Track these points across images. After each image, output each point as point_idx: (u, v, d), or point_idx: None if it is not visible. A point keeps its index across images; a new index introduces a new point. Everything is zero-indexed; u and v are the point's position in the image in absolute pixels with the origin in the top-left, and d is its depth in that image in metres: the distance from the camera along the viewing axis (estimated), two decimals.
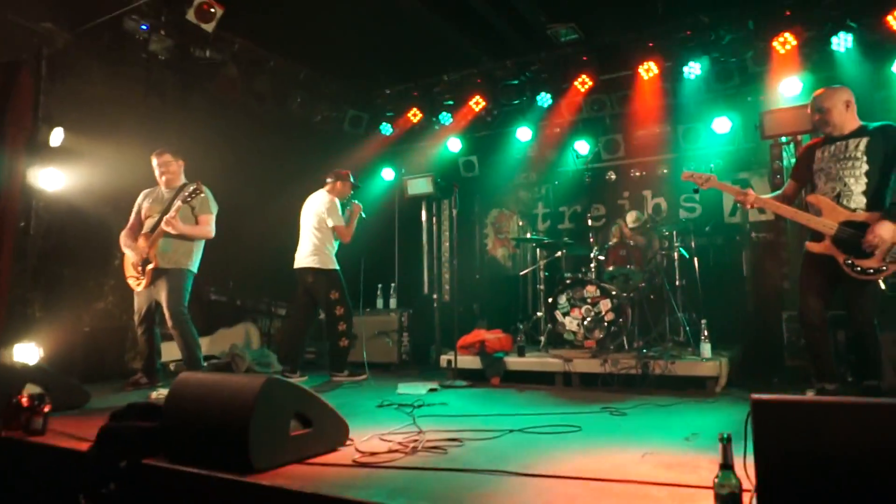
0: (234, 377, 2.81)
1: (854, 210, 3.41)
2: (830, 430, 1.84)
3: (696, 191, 3.93)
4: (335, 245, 5.47)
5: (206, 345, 5.80)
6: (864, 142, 3.44)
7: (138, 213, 4.86)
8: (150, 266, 4.60)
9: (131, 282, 4.75)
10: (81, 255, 5.45)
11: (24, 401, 3.09)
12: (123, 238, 4.77)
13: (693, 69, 6.11)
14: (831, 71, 5.82)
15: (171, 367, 5.61)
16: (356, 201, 5.61)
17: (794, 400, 1.95)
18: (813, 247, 3.54)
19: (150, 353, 4.81)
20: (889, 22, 5.22)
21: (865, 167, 3.41)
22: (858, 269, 3.35)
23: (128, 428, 2.67)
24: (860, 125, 3.53)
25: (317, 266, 5.34)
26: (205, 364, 4.85)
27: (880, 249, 3.28)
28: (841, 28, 5.45)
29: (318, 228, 5.40)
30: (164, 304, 4.62)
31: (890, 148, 3.38)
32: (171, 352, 5.35)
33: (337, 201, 5.48)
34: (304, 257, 5.44)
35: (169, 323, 4.63)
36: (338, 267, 5.43)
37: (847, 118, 3.52)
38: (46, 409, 3.10)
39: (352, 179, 5.66)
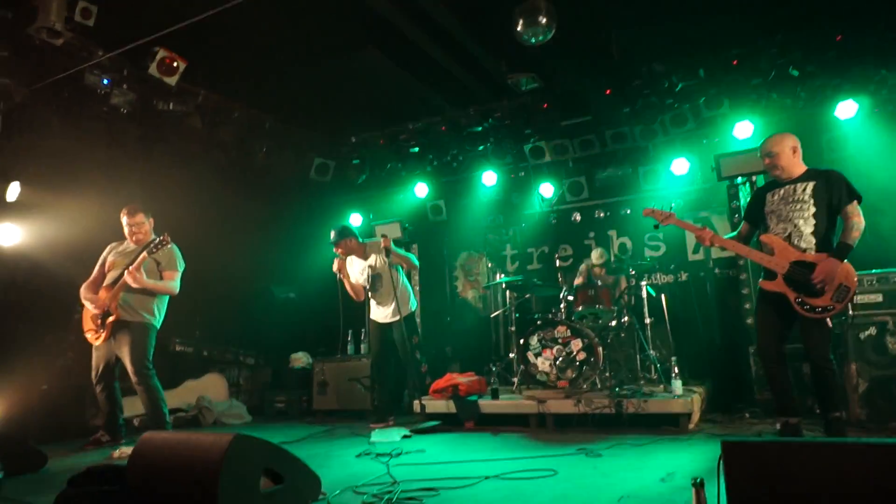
0: (200, 435, 2.72)
1: (804, 250, 3.56)
2: (800, 470, 1.88)
3: (656, 226, 4.04)
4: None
5: (171, 397, 5.63)
6: (810, 186, 3.63)
7: (102, 265, 4.74)
8: (110, 318, 4.47)
9: (89, 335, 4.60)
10: (39, 311, 5.29)
11: None
12: (84, 290, 4.64)
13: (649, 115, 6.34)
14: (779, 114, 6.13)
15: (136, 422, 5.42)
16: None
17: (764, 442, 1.98)
18: (766, 285, 3.67)
19: (111, 409, 4.64)
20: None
21: (813, 209, 3.59)
22: (808, 307, 3.48)
23: (88, 493, 2.56)
24: (806, 170, 3.73)
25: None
26: (170, 418, 4.68)
27: (829, 287, 3.41)
28: (785, 76, 5.75)
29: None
30: (127, 359, 4.47)
31: (834, 192, 3.57)
32: (134, 406, 5.18)
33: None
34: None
35: (133, 378, 4.47)
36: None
37: (794, 162, 3.72)
38: None
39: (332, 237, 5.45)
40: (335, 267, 5.34)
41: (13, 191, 5.09)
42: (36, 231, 5.17)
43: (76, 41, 5.09)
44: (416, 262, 5.54)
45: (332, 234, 5.34)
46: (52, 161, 5.45)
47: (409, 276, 5.73)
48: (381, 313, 5.43)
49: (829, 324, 3.53)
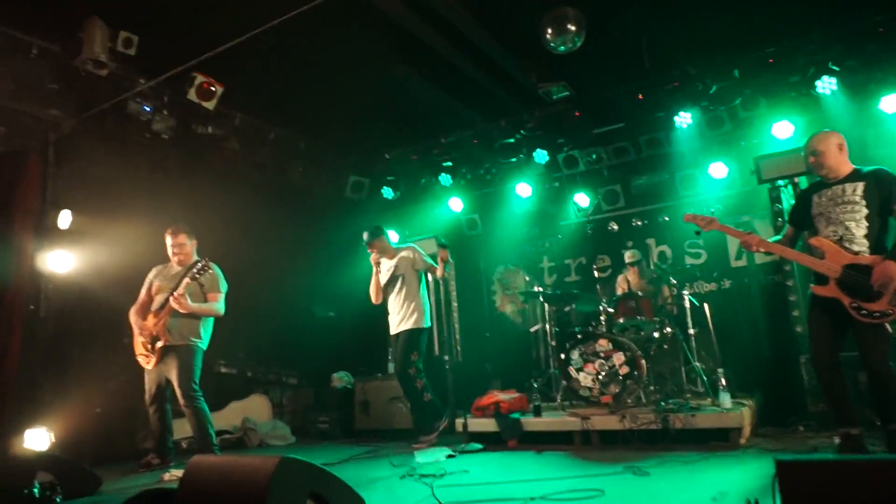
0: (247, 458, 2.75)
1: (857, 253, 3.42)
2: (862, 490, 1.79)
3: (697, 233, 3.94)
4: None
5: (217, 419, 5.72)
6: (860, 186, 3.49)
7: (149, 289, 4.87)
8: (159, 343, 4.59)
9: (141, 360, 4.73)
10: (91, 336, 5.45)
11: (36, 490, 3.03)
12: (133, 315, 4.77)
13: (684, 118, 6.24)
14: (820, 112, 5.94)
15: (184, 444, 5.53)
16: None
17: (819, 460, 1.90)
18: (818, 290, 3.54)
19: (161, 432, 4.75)
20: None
21: (865, 211, 3.45)
22: (865, 312, 3.34)
23: None
24: (854, 169, 3.59)
25: None
26: (216, 440, 4.76)
27: (887, 290, 3.27)
28: (824, 72, 5.59)
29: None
30: (175, 382, 4.58)
31: (884, 192, 3.44)
32: (183, 429, 5.29)
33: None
34: None
35: (181, 401, 4.58)
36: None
37: (840, 161, 3.59)
38: (58, 499, 3.03)
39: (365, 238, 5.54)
40: (373, 258, 5.39)
41: (65, 218, 5.27)
42: (86, 257, 5.34)
43: (119, 70, 5.29)
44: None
45: (365, 234, 5.42)
46: (99, 188, 5.65)
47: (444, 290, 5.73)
48: (392, 322, 5.43)
49: (889, 329, 3.38)
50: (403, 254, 5.41)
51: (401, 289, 5.34)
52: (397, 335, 5.32)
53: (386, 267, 5.45)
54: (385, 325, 5.59)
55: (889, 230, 3.46)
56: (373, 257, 5.39)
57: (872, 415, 4.13)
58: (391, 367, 6.73)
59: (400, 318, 5.30)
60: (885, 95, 5.57)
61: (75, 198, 5.45)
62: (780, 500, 1.88)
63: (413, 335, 5.27)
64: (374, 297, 5.48)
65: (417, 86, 6.21)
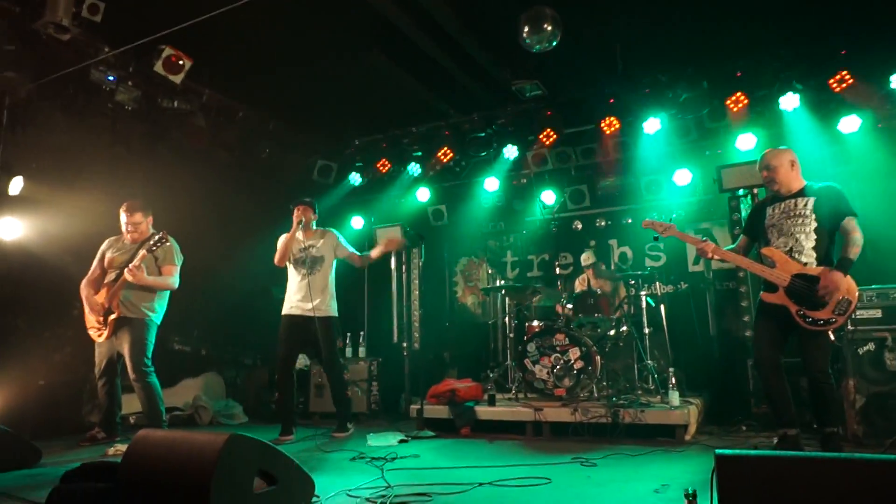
0: (195, 434, 2.72)
1: (806, 264, 3.58)
2: (794, 485, 1.87)
3: (656, 238, 4.06)
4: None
5: (169, 396, 5.62)
6: (811, 201, 3.65)
7: (101, 261, 4.74)
8: (112, 316, 4.48)
9: (92, 333, 4.61)
10: (38, 306, 5.29)
11: None
12: (84, 288, 4.64)
13: (652, 125, 6.36)
14: (783, 127, 6.13)
15: (132, 420, 5.42)
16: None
17: (757, 456, 1.97)
18: (767, 297, 3.68)
19: (109, 406, 4.63)
20: (832, 85, 5.58)
21: (814, 224, 3.61)
22: (810, 319, 3.50)
23: (81, 490, 2.55)
24: (805, 184, 3.76)
25: None
26: (166, 417, 4.68)
27: (832, 299, 3.42)
28: (788, 89, 5.78)
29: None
30: (127, 356, 4.48)
31: (833, 208, 3.60)
32: (131, 404, 5.17)
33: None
34: None
35: (131, 375, 4.47)
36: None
37: (792, 177, 3.75)
38: None
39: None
40: (300, 216, 5.02)
41: (16, 185, 5.10)
42: (37, 226, 5.17)
43: (83, 37, 5.12)
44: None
45: (306, 199, 5.18)
46: (56, 156, 5.46)
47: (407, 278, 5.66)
48: (301, 302, 5.01)
49: (832, 337, 3.53)
50: (329, 236, 5.19)
51: (319, 270, 5.07)
52: (313, 318, 4.93)
53: (304, 244, 5.12)
54: (346, 309, 5.53)
55: (835, 243, 3.62)
56: (300, 216, 5.03)
57: (811, 418, 4.30)
58: (349, 352, 6.72)
59: (318, 302, 4.96)
60: (843, 116, 5.79)
61: (29, 164, 5.26)
62: (717, 491, 1.95)
63: (334, 323, 5.11)
64: (281, 257, 5.05)
65: (391, 74, 6.18)
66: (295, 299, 5.07)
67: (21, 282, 5.14)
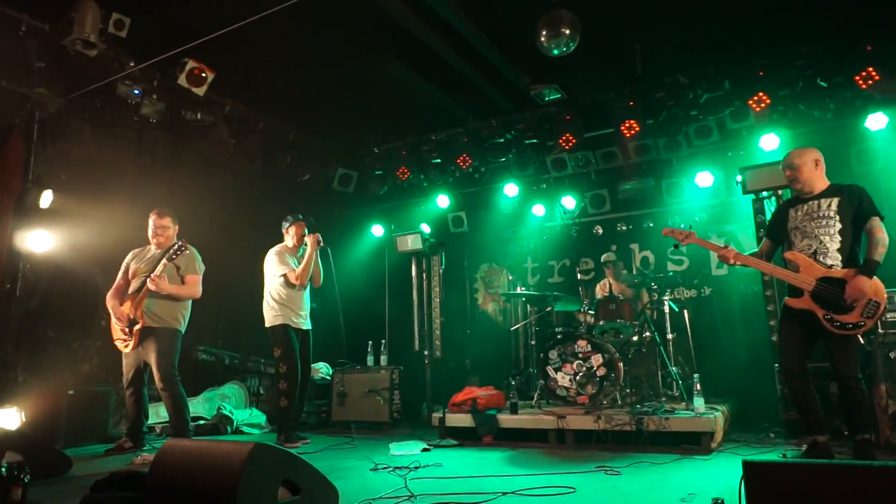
0: (220, 444, 2.75)
1: (830, 267, 3.50)
2: (825, 493, 1.83)
3: (676, 246, 4.00)
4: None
5: (193, 405, 5.69)
6: (835, 202, 3.57)
7: (126, 272, 4.82)
8: (137, 326, 4.55)
9: (119, 344, 4.68)
10: (67, 316, 5.40)
11: (3, 470, 2.99)
12: (110, 300, 4.72)
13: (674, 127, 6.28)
14: (807, 126, 6.03)
15: (157, 429, 5.49)
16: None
17: (787, 463, 1.94)
18: (792, 302, 3.61)
19: (136, 415, 4.71)
20: (858, 81, 5.45)
21: (839, 226, 3.53)
22: (838, 323, 3.42)
23: (110, 499, 2.59)
24: (829, 185, 3.68)
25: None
26: (192, 426, 4.73)
27: (859, 304, 3.34)
28: (813, 87, 5.67)
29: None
30: (154, 366, 4.55)
31: (857, 208, 3.52)
32: (157, 414, 5.24)
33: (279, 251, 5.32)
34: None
35: (159, 385, 4.55)
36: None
37: (816, 176, 3.67)
38: (26, 480, 2.99)
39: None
40: (317, 238, 5.17)
41: (46, 198, 5.22)
42: (66, 238, 5.29)
43: (109, 52, 5.25)
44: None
45: (310, 219, 5.40)
46: (84, 169, 5.60)
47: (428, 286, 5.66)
48: (302, 316, 5.24)
49: (861, 340, 3.46)
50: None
51: (308, 287, 5.28)
52: (306, 331, 5.26)
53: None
54: (367, 318, 5.57)
55: (861, 244, 3.54)
56: (317, 237, 5.19)
57: (842, 424, 4.21)
58: (370, 360, 6.74)
59: (307, 315, 5.28)
60: (871, 113, 5.66)
61: (58, 178, 5.39)
62: (746, 500, 1.92)
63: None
64: (310, 278, 5.22)
65: (410, 81, 6.21)
66: (304, 314, 5.28)
67: (50, 293, 5.26)
